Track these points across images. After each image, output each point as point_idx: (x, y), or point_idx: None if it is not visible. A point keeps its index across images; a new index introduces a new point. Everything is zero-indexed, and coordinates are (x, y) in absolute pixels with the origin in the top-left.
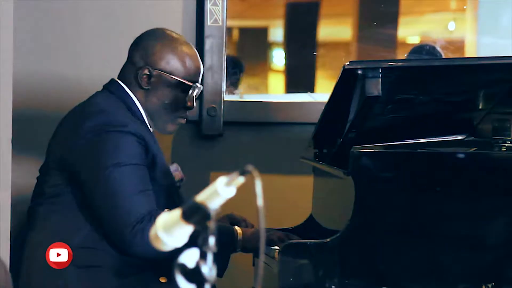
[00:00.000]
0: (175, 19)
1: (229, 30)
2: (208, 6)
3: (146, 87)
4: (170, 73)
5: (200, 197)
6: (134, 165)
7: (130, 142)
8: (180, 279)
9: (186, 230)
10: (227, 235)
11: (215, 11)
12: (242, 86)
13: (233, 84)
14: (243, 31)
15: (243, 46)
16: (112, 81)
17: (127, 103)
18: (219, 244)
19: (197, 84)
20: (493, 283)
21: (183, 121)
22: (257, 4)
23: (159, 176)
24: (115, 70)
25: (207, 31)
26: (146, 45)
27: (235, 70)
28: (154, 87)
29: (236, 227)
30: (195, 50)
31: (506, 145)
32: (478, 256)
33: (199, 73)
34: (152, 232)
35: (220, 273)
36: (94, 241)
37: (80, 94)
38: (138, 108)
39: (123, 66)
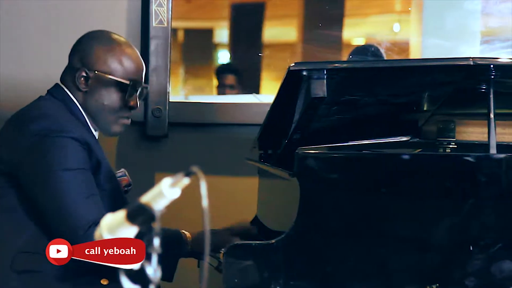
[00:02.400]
0: (120, 20)
1: (174, 31)
2: (153, 7)
3: (85, 89)
4: (108, 73)
5: (145, 198)
6: (81, 170)
7: (75, 147)
8: (125, 280)
9: (130, 232)
10: (174, 239)
11: (160, 12)
12: (187, 87)
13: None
14: (188, 32)
15: (188, 47)
16: (56, 85)
17: (70, 107)
18: (167, 248)
19: (138, 82)
20: (438, 284)
21: (127, 121)
22: (202, 5)
23: (103, 181)
24: (58, 71)
25: (152, 32)
26: (83, 47)
27: None
28: (93, 88)
29: (184, 231)
30: (135, 49)
31: (450, 146)
32: (423, 257)
33: (140, 71)
34: (96, 234)
35: (169, 277)
36: (36, 246)
37: (22, 95)
38: (80, 112)
39: (64, 70)
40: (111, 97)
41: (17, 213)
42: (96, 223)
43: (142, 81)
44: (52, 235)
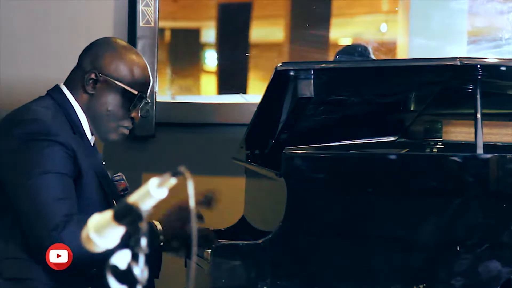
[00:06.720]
0: (107, 19)
1: (161, 31)
2: (140, 7)
3: (91, 92)
4: (117, 80)
5: (132, 198)
6: (58, 174)
7: (58, 151)
8: (112, 280)
9: (118, 231)
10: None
11: (147, 12)
12: (174, 87)
13: None
14: (175, 32)
15: (175, 47)
16: (55, 86)
17: (67, 111)
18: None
19: (144, 94)
20: (425, 284)
21: (126, 131)
22: (189, 5)
23: (91, 189)
24: (42, 71)
25: (139, 32)
26: (96, 50)
27: None
28: (99, 92)
29: (154, 221)
30: (146, 63)
31: (437, 146)
32: (410, 257)
33: (147, 85)
34: (84, 233)
35: (155, 274)
36: (24, 252)
37: (6, 96)
38: (77, 116)
39: (71, 71)
40: (115, 104)
41: (5, 219)
42: (58, 227)
43: (147, 95)
44: (26, 238)
